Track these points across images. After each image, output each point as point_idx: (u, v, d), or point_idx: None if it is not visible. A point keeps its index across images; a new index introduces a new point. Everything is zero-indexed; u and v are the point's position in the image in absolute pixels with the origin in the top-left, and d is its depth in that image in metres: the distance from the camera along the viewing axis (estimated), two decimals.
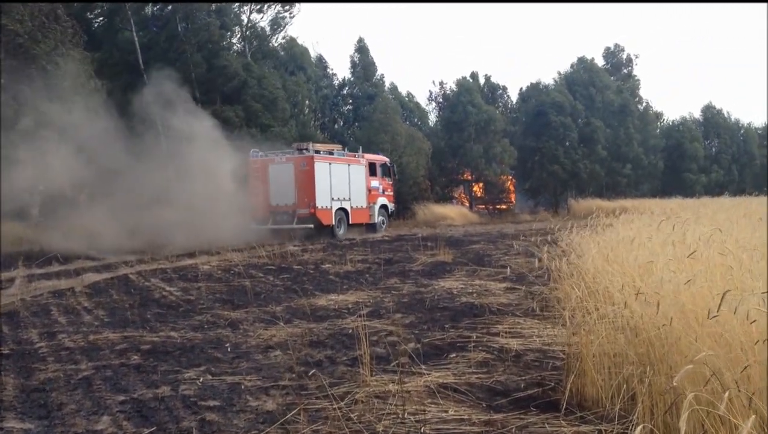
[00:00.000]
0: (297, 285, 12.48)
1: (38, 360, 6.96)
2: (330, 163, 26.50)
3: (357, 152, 29.25)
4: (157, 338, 7.91)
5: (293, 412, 5.08)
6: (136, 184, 27.22)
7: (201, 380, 6.08)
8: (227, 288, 12.18)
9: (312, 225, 25.57)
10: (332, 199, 26.29)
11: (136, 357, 7.04)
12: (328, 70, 57.65)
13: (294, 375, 6.18)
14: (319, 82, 54.36)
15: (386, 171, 30.72)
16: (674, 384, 3.72)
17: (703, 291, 4.54)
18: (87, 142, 25.09)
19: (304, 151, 26.15)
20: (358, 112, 55.09)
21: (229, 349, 7.36)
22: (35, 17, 24.61)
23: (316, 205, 25.42)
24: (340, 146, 30.08)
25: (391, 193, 30.96)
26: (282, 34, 47.46)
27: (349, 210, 27.23)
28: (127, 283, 13.13)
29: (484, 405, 5.23)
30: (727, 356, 3.91)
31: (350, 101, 56.41)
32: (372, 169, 29.30)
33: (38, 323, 9.07)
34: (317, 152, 26.35)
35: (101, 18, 40.02)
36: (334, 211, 26.34)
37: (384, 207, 29.93)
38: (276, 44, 48.31)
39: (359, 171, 28.28)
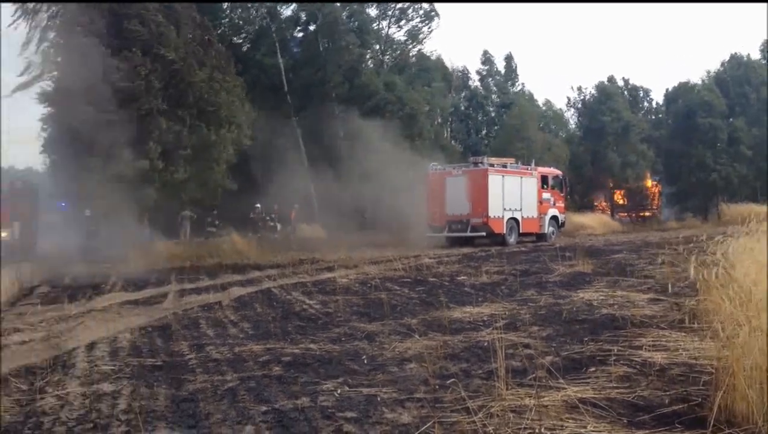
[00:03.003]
0: (432, 298, 12.52)
1: (188, 371, 7.34)
2: (503, 176, 28.11)
3: (530, 165, 30.72)
4: (298, 350, 8.15)
5: (428, 425, 5.09)
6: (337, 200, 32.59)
7: (339, 391, 6.21)
8: (364, 301, 12.38)
9: (484, 233, 27.55)
10: (504, 209, 27.76)
11: (277, 368, 7.28)
12: (464, 80, 57.73)
13: (429, 388, 6.20)
14: (453, 93, 54.50)
15: (558, 183, 31.95)
16: None
17: None
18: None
19: (479, 165, 28.03)
20: (493, 120, 54.80)
21: (365, 361, 7.48)
22: (188, 44, 26.10)
23: (489, 215, 27.05)
24: (514, 160, 31.52)
25: (563, 205, 32.13)
26: (416, 45, 47.85)
27: (520, 219, 28.56)
28: (270, 297, 13.61)
29: (626, 421, 5.04)
30: None
31: (486, 110, 56.23)
32: (544, 181, 30.48)
33: (188, 335, 9.57)
34: (491, 165, 28.09)
35: (248, 43, 41.88)
36: (505, 220, 27.80)
37: (554, 218, 30.88)
38: (412, 57, 48.84)
39: (531, 183, 29.56)
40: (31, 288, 16.38)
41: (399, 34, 47.28)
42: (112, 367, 7.58)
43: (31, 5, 29.14)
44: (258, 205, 33.67)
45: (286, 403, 5.91)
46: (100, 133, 24.81)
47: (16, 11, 29.02)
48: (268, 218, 33.33)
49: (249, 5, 41.08)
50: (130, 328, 10.22)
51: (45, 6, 28.90)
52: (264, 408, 5.81)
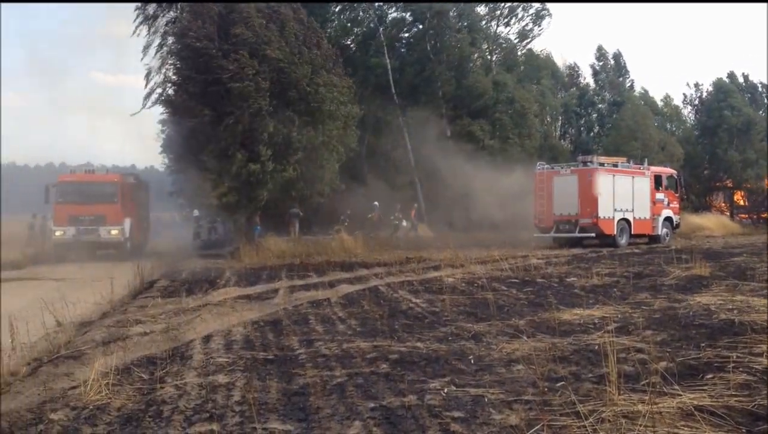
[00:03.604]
0: (540, 299, 12.34)
1: (298, 366, 7.52)
2: (614, 175, 27.39)
3: (642, 164, 29.78)
4: (404, 348, 8.20)
5: (537, 428, 5.03)
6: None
7: (445, 391, 6.22)
8: (470, 301, 12.33)
9: (594, 235, 26.97)
10: (615, 209, 27.05)
11: (384, 365, 7.36)
12: (573, 78, 56.55)
13: (537, 391, 6.11)
14: (563, 91, 53.43)
15: (672, 183, 30.90)
16: None
17: None
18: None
19: (589, 164, 27.33)
20: (605, 119, 53.37)
21: (472, 361, 7.45)
22: (291, 44, 26.75)
23: (599, 215, 26.39)
24: (625, 159, 30.53)
25: (677, 205, 31.01)
26: (527, 44, 47.17)
27: (631, 220, 27.79)
28: (377, 295, 13.76)
29: (744, 431, 4.84)
30: None
31: (597, 108, 54.83)
32: (657, 181, 29.58)
33: (298, 331, 9.80)
34: (601, 164, 27.38)
35: (356, 44, 42.47)
36: (616, 221, 27.08)
37: (668, 219, 29.92)
38: (521, 55, 48.21)
39: (644, 183, 28.72)
40: (151, 282, 17.16)
41: (508, 33, 46.77)
42: (227, 359, 7.85)
43: (151, 11, 30.66)
44: (376, 204, 34.06)
45: (394, 400, 5.97)
46: (214, 134, 25.76)
47: (137, 17, 30.59)
48: (392, 217, 33.67)
49: (355, 5, 41.59)
50: (244, 322, 10.56)
51: (163, 12, 30.34)
52: (372, 405, 5.89)
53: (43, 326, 9.88)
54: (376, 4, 41.71)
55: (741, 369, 6.46)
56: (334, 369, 7.23)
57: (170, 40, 28.85)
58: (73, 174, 28.88)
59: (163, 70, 30.05)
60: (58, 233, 26.88)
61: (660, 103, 54.25)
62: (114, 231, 27.16)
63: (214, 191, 25.64)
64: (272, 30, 26.17)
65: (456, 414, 5.56)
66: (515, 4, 45.07)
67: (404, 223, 33.72)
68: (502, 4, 45.12)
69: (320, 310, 11.80)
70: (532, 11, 45.40)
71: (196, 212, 37.54)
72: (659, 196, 29.36)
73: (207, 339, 9.33)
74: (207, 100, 25.49)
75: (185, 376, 7.10)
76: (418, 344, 8.47)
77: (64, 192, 27.55)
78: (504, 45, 46.63)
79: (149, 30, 30.78)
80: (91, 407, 6.09)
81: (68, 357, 8.15)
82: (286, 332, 9.70)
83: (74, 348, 8.65)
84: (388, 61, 40.76)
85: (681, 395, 5.64)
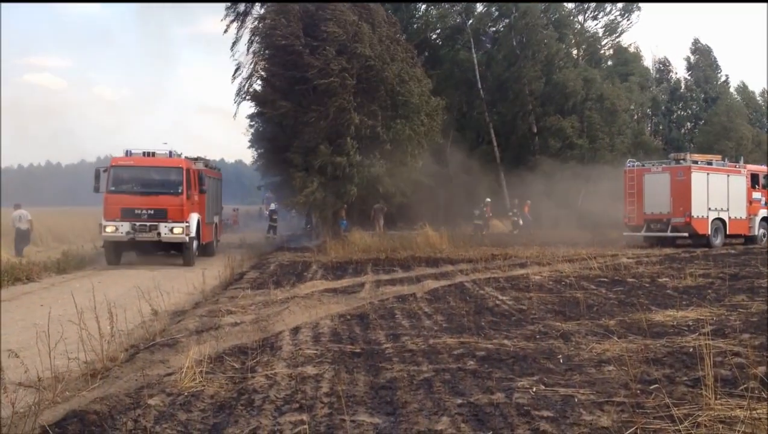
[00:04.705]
0: (631, 299, 12.04)
1: (385, 360, 7.57)
2: (708, 174, 26.67)
3: (738, 162, 29.03)
4: (491, 345, 8.15)
5: (630, 431, 4.92)
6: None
7: (534, 389, 6.15)
8: (558, 300, 12.14)
9: (687, 234, 26.34)
10: (709, 208, 26.40)
11: (471, 362, 7.33)
12: (666, 74, 54.84)
13: (629, 392, 5.97)
14: (654, 87, 51.87)
15: None
16: None
17: None
18: None
19: (681, 162, 26.76)
20: (697, 115, 51.59)
21: (561, 361, 7.34)
22: (382, 42, 26.94)
23: (692, 214, 25.76)
24: (719, 157, 29.76)
25: None
26: (616, 38, 46.11)
27: (726, 220, 27.06)
28: (463, 291, 13.71)
29: None
30: None
31: (689, 104, 53.06)
32: (754, 180, 28.62)
33: (384, 325, 9.86)
34: (695, 162, 26.74)
35: (442, 39, 42.44)
36: (710, 220, 26.41)
37: (765, 219, 28.88)
38: (609, 49, 47.15)
39: (739, 181, 27.90)
40: (241, 274, 17.59)
41: (595, 27, 45.82)
42: (315, 351, 7.98)
43: (242, 8, 31.39)
44: (488, 200, 33.97)
45: (481, 398, 5.93)
46: (300, 129, 26.15)
47: (226, 15, 31.37)
48: (510, 213, 33.50)
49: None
50: (331, 315, 10.71)
51: (254, 9, 31.01)
52: (459, 401, 5.87)
53: (140, 314, 10.27)
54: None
55: None
56: (421, 364, 7.25)
57: (257, 37, 29.44)
58: (128, 156, 22.69)
59: (250, 66, 30.68)
60: (108, 229, 21.37)
61: (759, 99, 52.03)
62: (177, 230, 21.60)
63: (303, 189, 25.92)
64: (363, 27, 26.39)
65: (545, 413, 5.49)
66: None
67: (521, 222, 33.37)
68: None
69: (406, 305, 11.84)
70: (620, 5, 44.38)
71: (273, 205, 38.20)
72: (756, 195, 28.33)
73: (295, 330, 9.50)
74: (293, 95, 25.94)
75: (275, 367, 7.25)
76: (505, 341, 8.40)
77: (117, 178, 22.07)
78: (591, 39, 45.68)
79: (240, 27, 31.51)
80: (185, 394, 6.29)
81: (164, 344, 8.44)
82: (373, 326, 9.78)
83: (169, 336, 8.96)
84: (474, 55, 40.53)
85: None
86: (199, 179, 23.38)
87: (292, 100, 26.04)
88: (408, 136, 27.61)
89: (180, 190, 21.93)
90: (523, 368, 7.07)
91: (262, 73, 29.24)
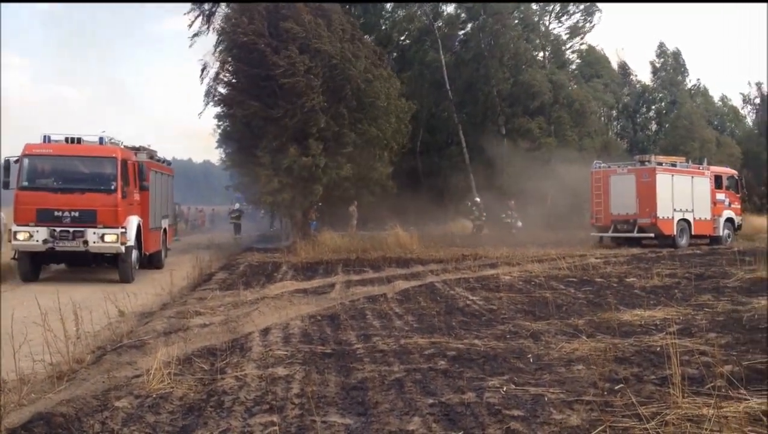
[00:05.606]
0: (600, 299, 12.17)
1: (356, 360, 7.55)
2: (672, 175, 27.00)
3: (701, 164, 29.40)
4: (462, 345, 8.17)
5: (599, 429, 4.96)
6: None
7: (504, 389, 6.17)
8: (528, 299, 12.22)
9: (653, 235, 26.70)
10: (674, 209, 26.69)
11: (442, 362, 7.34)
12: (630, 76, 55.53)
13: (598, 391, 6.03)
14: (619, 90, 52.52)
15: (733, 183, 30.34)
16: None
17: None
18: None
19: (646, 163, 27.04)
20: (662, 118, 52.33)
21: (531, 360, 7.39)
22: (343, 40, 26.87)
23: (658, 215, 26.05)
24: (684, 158, 30.17)
25: (738, 206, 30.44)
26: (580, 41, 46.75)
27: (691, 221, 27.40)
28: (434, 291, 13.73)
29: None
30: None
31: (653, 107, 53.79)
32: (718, 182, 29.11)
33: (355, 325, 9.84)
34: (659, 164, 27.04)
35: (410, 40, 42.47)
36: (675, 221, 26.73)
37: (730, 220, 29.39)
38: (573, 52, 47.77)
39: (703, 183, 28.32)
40: (209, 274, 17.43)
41: (559, 29, 46.38)
42: (285, 352, 7.93)
43: (207, 8, 31.01)
44: (478, 199, 33.91)
45: (452, 397, 5.94)
46: (267, 129, 25.96)
47: (191, 10, 30.93)
48: (504, 215, 33.53)
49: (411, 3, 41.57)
50: (301, 316, 10.66)
51: (219, 9, 30.68)
52: (430, 401, 5.88)
53: (106, 315, 10.13)
54: (431, 2, 41.58)
55: None
56: (392, 365, 7.24)
57: (222, 37, 29.09)
58: (47, 143, 17.55)
59: (216, 66, 30.31)
60: (20, 236, 16.42)
61: (718, 103, 52.98)
62: (110, 237, 16.62)
63: (267, 187, 25.73)
64: (320, 25, 26.31)
65: (516, 412, 5.51)
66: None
67: (519, 223, 33.26)
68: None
69: (377, 306, 11.83)
70: (582, 7, 44.99)
71: (236, 205, 37.90)
72: (720, 196, 28.82)
73: (265, 331, 9.43)
74: (259, 95, 25.76)
75: (245, 368, 7.19)
76: (476, 341, 8.43)
77: (32, 171, 17.09)
78: (555, 42, 46.20)
79: (208, 27, 31.14)
80: (154, 395, 6.21)
81: (131, 346, 8.32)
82: (344, 326, 9.75)
83: (136, 338, 8.84)
84: (443, 57, 40.63)
85: (748, 400, 5.50)
86: (140, 173, 18.40)
87: (259, 100, 25.84)
88: (375, 138, 27.53)
89: (113, 187, 16.94)
90: (494, 367, 7.10)
91: (227, 74, 28.92)
